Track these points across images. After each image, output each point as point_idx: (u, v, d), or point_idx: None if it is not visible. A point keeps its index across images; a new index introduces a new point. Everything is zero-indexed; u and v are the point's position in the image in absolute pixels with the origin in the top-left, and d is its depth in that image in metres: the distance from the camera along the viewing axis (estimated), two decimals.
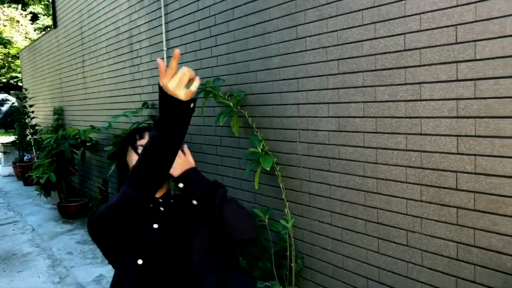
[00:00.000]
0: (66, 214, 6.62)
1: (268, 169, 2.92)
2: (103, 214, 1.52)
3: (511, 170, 1.86)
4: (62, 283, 4.25)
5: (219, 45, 3.62)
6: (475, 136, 1.97)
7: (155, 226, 1.60)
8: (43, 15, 25.01)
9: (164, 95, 1.31)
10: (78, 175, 7.34)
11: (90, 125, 6.49)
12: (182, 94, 1.30)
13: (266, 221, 3.04)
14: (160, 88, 1.32)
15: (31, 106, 8.85)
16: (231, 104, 3.28)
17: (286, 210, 3.00)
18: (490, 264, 1.97)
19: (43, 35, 9.65)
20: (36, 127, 9.13)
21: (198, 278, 1.53)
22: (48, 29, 9.18)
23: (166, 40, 4.43)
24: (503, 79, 1.86)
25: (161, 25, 4.45)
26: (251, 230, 1.56)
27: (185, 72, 1.30)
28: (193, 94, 1.33)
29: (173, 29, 4.28)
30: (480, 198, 1.97)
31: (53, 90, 8.78)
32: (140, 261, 1.55)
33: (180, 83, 1.29)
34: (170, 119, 1.32)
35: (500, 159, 1.89)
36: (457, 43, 2.01)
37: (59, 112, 8.30)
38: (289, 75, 2.95)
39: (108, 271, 4.45)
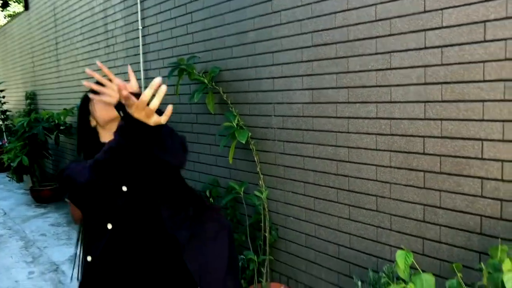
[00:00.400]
0: (39, 198, 6.52)
1: (244, 142, 2.96)
2: (71, 181, 1.47)
3: (474, 133, 1.95)
4: (35, 263, 4.21)
5: (195, 21, 3.63)
6: (442, 101, 2.05)
7: (124, 188, 1.54)
8: (14, 1, 24.30)
9: (129, 116, 1.19)
10: (51, 160, 7.23)
11: (64, 108, 6.39)
12: (151, 122, 1.20)
13: (242, 194, 3.09)
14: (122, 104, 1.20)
15: (1, 91, 8.64)
16: (206, 81, 3.30)
17: (260, 182, 3.05)
18: (454, 224, 2.06)
19: (13, 18, 9.41)
20: (7, 113, 8.92)
21: (170, 235, 1.55)
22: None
23: (141, 19, 4.40)
24: (468, 45, 1.94)
25: (136, 3, 4.41)
26: (181, 157, 1.48)
27: (148, 104, 1.16)
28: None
29: (149, 7, 4.26)
30: (446, 161, 2.06)
31: (25, 74, 8.59)
32: (109, 226, 1.54)
33: (147, 116, 1.18)
34: (134, 134, 1.24)
35: (464, 122, 1.98)
36: (425, 11, 2.08)
37: (31, 97, 8.13)
38: (264, 49, 2.99)
39: None
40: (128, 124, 1.21)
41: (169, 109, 1.16)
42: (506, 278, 1.32)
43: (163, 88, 1.12)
